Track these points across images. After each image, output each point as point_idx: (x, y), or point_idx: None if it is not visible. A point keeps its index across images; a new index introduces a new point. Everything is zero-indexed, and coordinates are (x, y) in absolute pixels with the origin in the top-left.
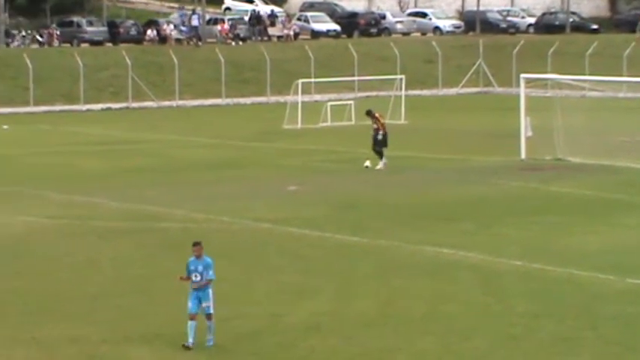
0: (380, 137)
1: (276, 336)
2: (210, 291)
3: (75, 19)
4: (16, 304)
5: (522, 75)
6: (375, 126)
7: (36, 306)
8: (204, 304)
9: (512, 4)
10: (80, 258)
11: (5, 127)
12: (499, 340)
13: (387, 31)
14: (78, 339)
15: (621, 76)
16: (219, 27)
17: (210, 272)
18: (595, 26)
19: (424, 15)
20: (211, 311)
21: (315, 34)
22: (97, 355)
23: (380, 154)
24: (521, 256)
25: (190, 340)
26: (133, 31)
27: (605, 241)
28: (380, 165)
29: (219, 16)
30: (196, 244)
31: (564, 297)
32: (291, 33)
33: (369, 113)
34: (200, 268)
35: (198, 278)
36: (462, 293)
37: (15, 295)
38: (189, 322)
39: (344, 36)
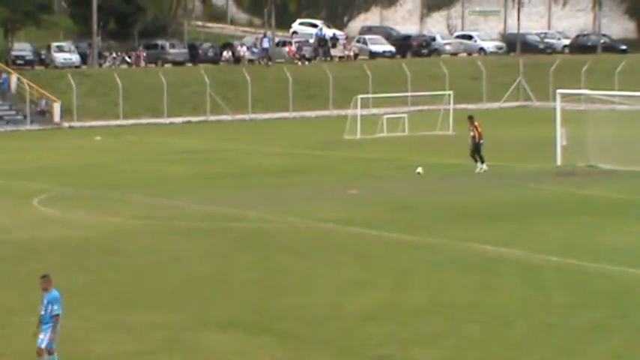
0: (482, 143)
1: (338, 322)
2: (51, 325)
3: (159, 42)
4: (108, 294)
5: (558, 90)
6: (472, 133)
7: (125, 296)
8: (40, 336)
9: (549, 27)
10: (164, 254)
11: (98, 138)
12: (538, 328)
13: (437, 51)
14: (162, 325)
15: None
16: (287, 49)
17: (56, 307)
18: (624, 47)
19: (470, 37)
20: (44, 345)
21: (373, 55)
22: (178, 339)
23: (481, 159)
24: (557, 253)
25: None
26: (211, 53)
27: (634, 239)
28: (484, 167)
29: (287, 39)
30: (43, 277)
31: (597, 289)
32: (352, 54)
33: (471, 119)
34: (45, 302)
35: (43, 312)
36: (505, 285)
37: (107, 286)
38: None
39: (398, 56)
